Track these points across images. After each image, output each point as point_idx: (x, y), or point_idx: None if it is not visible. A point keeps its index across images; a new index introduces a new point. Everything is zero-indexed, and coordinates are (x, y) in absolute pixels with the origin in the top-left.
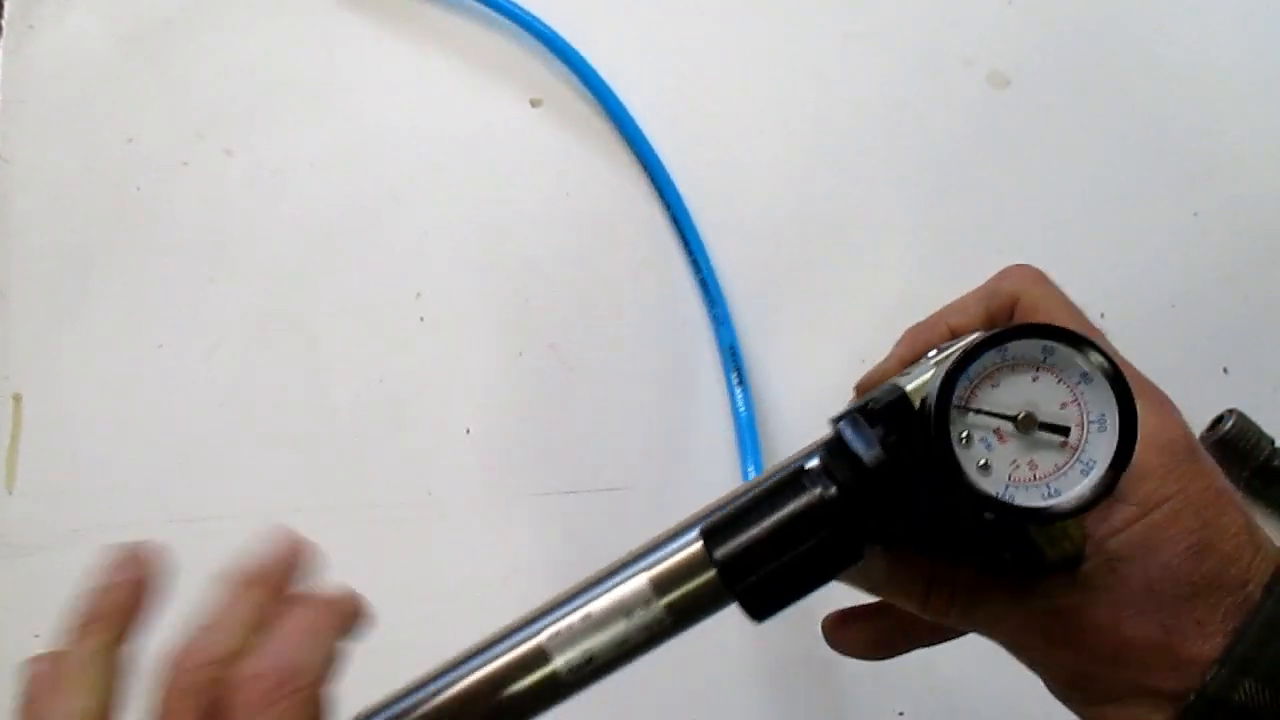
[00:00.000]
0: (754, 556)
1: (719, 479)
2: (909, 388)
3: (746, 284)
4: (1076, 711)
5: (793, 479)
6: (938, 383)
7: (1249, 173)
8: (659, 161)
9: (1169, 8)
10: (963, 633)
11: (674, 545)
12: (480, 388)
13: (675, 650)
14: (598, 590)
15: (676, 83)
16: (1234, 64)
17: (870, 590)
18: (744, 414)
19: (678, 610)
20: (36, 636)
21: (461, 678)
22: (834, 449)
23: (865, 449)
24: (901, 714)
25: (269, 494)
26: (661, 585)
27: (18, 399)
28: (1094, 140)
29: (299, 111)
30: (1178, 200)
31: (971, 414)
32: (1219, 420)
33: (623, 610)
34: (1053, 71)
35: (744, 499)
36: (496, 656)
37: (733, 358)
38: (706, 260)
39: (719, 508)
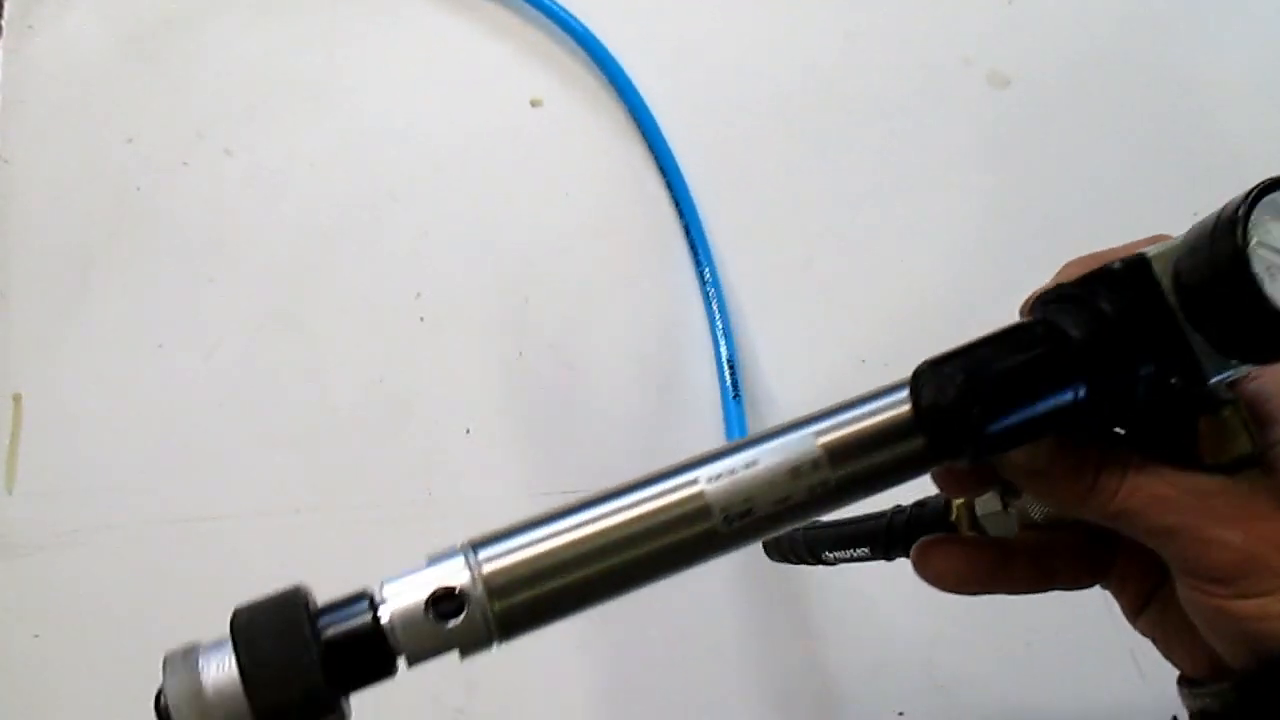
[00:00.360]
0: (978, 399)
1: None
2: (1150, 254)
3: (747, 284)
4: (1230, 609)
5: (1022, 330)
6: (1236, 208)
7: (1249, 173)
8: (673, 159)
9: (1169, 7)
10: (1058, 585)
11: (860, 411)
12: (480, 388)
13: (675, 652)
14: (766, 446)
15: (679, 77)
16: (1234, 64)
17: (1029, 474)
18: (737, 431)
19: (844, 479)
20: (36, 637)
21: (603, 517)
22: (1070, 302)
23: (1111, 301)
24: (901, 714)
25: (269, 494)
26: (837, 453)
27: (18, 399)
28: (1094, 140)
29: (299, 111)
30: (1178, 200)
31: (1252, 245)
32: None
33: (790, 470)
34: (1053, 71)
35: (963, 348)
36: (646, 500)
37: (731, 371)
38: (714, 268)
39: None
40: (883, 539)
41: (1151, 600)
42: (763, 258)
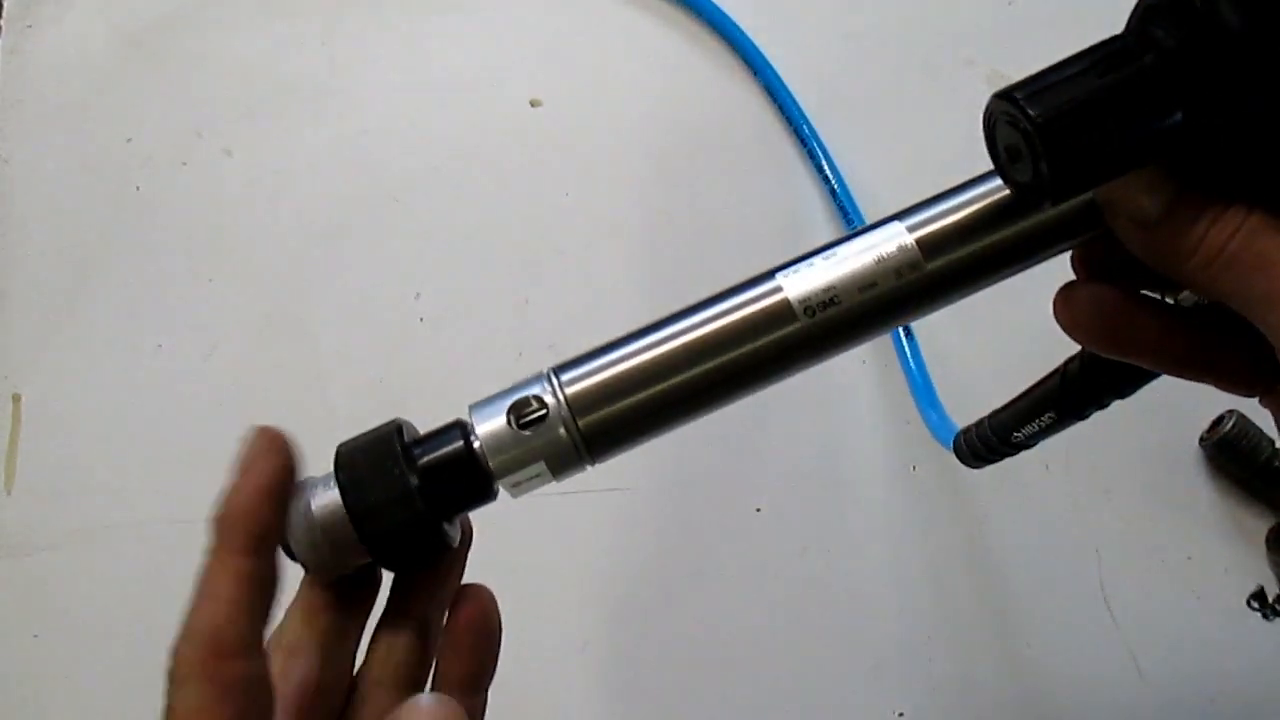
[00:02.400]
0: (1048, 134)
1: (717, 477)
2: None
3: None
4: None
5: (1103, 47)
6: None
7: None
8: None
9: None
10: (1212, 379)
11: (949, 202)
12: (480, 388)
13: (669, 653)
14: (847, 242)
15: None
16: None
17: (1129, 222)
18: None
19: (937, 265)
20: (36, 637)
21: (684, 331)
22: (1178, 11)
23: (1235, 12)
24: (901, 715)
25: None
26: (922, 231)
27: (17, 399)
28: None
29: (299, 111)
30: None
31: None
32: (1219, 421)
33: (874, 257)
34: None
35: (1034, 75)
36: (724, 304)
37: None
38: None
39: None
40: (1062, 395)
41: None
42: None
